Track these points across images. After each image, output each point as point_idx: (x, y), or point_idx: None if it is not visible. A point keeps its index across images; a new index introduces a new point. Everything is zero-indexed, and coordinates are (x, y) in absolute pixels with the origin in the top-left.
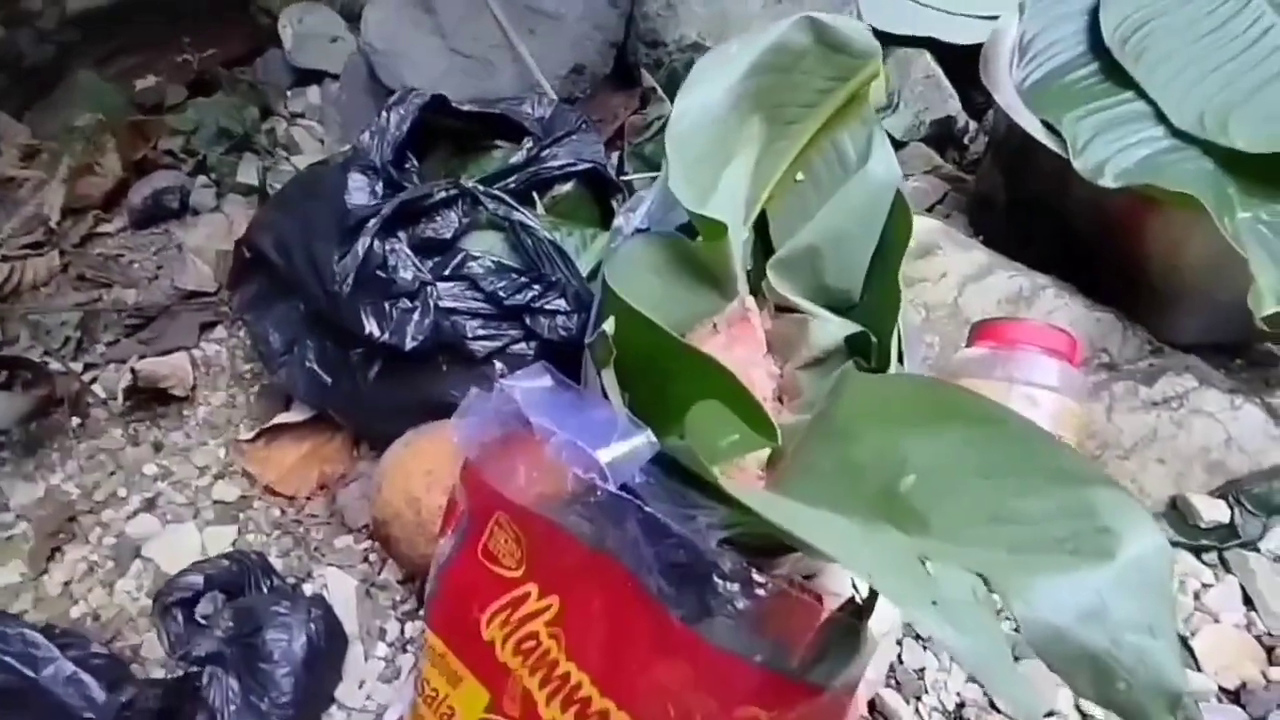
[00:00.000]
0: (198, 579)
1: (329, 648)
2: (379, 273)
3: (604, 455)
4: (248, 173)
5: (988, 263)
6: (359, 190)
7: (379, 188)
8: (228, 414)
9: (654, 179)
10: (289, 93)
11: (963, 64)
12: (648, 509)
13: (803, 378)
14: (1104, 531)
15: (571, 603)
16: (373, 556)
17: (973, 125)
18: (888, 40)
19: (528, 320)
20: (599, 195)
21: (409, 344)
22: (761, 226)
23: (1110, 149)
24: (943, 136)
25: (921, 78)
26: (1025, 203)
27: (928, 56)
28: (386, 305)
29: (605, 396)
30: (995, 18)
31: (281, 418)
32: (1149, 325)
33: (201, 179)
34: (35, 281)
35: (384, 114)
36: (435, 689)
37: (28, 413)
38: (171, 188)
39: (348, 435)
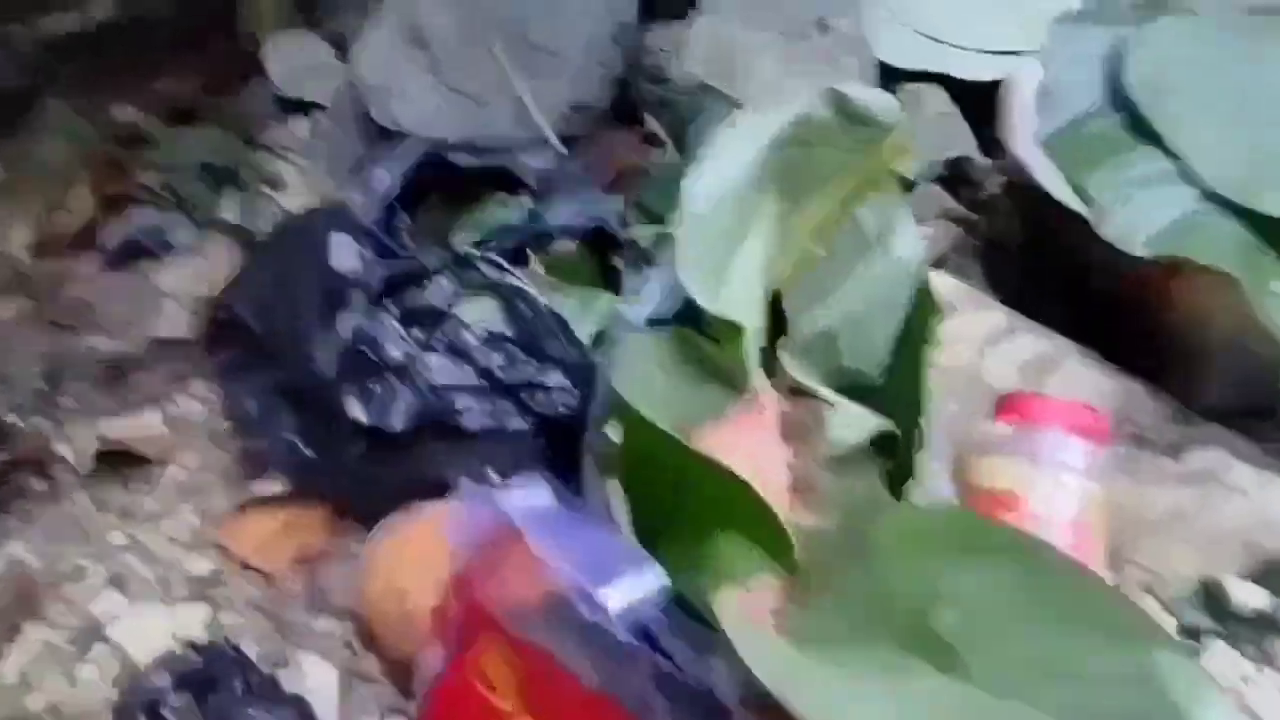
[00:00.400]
0: (165, 680)
1: None
2: (363, 349)
3: (612, 600)
4: (231, 209)
5: (1008, 325)
6: (344, 252)
7: (366, 251)
8: (202, 478)
9: (659, 233)
10: (275, 124)
11: (977, 99)
12: (660, 662)
13: (822, 475)
14: (1170, 709)
15: None
16: (356, 643)
17: (987, 162)
18: (900, 76)
19: (524, 397)
20: (600, 250)
21: (397, 427)
22: (774, 300)
23: (1138, 212)
24: (956, 177)
25: (934, 115)
26: (1042, 254)
27: (942, 93)
28: (371, 384)
29: (608, 504)
30: (1013, 53)
31: (261, 488)
32: (1175, 390)
33: (181, 217)
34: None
35: (373, 170)
36: None
37: None
38: (149, 226)
39: (327, 508)
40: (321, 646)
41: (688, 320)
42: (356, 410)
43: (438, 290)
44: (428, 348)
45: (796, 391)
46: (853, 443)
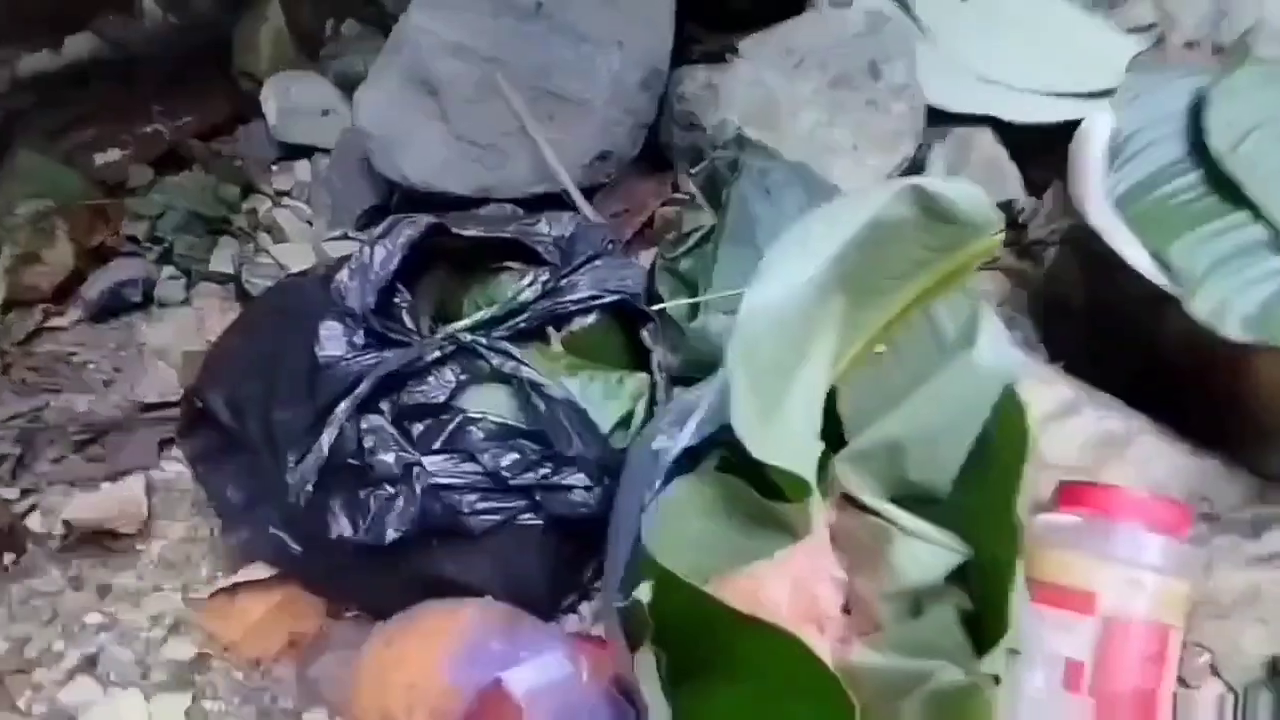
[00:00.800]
0: None
1: None
2: (351, 460)
3: None
4: (222, 260)
5: (1073, 399)
6: (333, 342)
7: (358, 338)
8: (187, 550)
9: (691, 304)
10: (274, 168)
11: (1024, 140)
12: None
13: (883, 608)
14: None
15: None
16: None
17: (1032, 204)
18: (946, 119)
19: (538, 497)
20: (626, 325)
21: (389, 537)
22: (828, 398)
23: (1230, 288)
24: (1005, 221)
25: (983, 159)
26: (1109, 314)
27: (990, 135)
28: (362, 495)
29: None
30: (1068, 95)
31: (245, 573)
32: (1253, 466)
33: (168, 269)
34: None
35: (368, 250)
36: None
37: None
38: (133, 279)
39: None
40: None
41: (730, 446)
42: (343, 526)
43: (440, 383)
44: (426, 446)
45: (850, 499)
46: (923, 577)
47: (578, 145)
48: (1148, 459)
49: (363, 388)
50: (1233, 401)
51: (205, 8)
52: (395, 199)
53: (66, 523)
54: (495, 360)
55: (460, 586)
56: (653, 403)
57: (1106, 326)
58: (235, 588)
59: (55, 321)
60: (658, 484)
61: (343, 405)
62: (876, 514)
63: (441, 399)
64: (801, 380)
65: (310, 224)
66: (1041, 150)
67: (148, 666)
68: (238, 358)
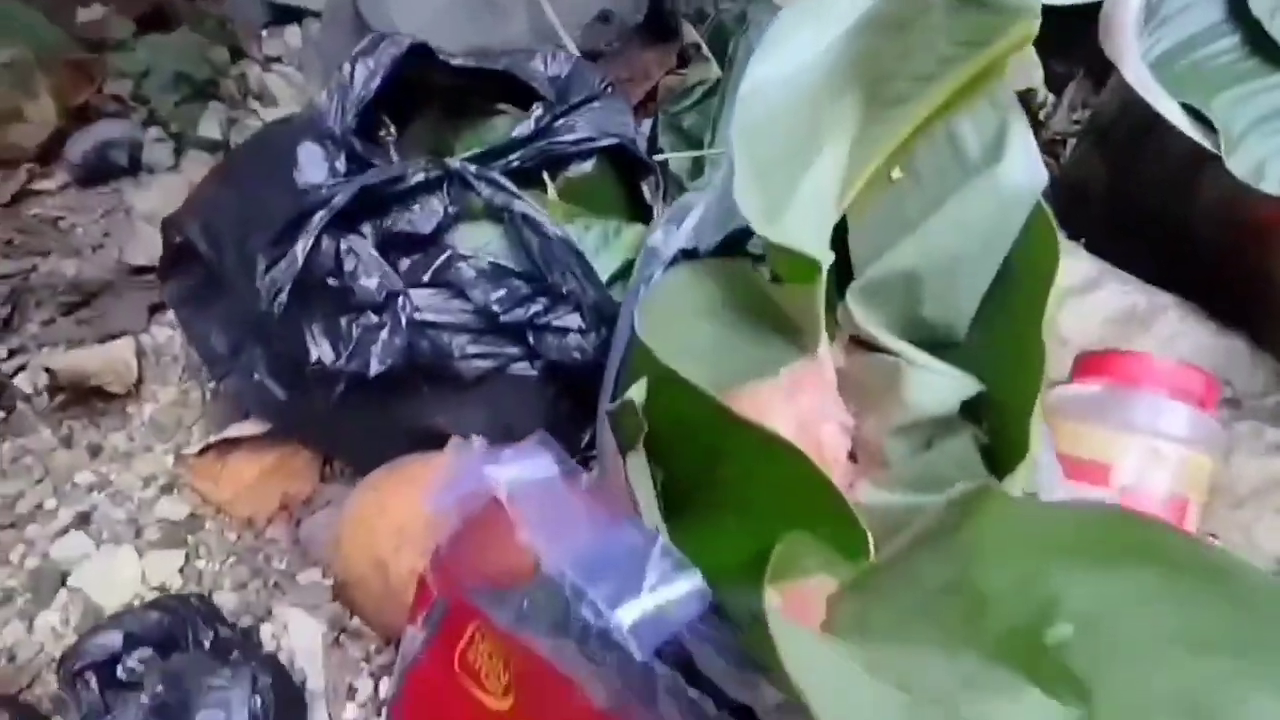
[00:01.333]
0: (115, 638)
1: None
2: (331, 280)
3: (626, 616)
4: (211, 125)
5: (1095, 274)
6: (313, 165)
7: (339, 163)
8: (179, 413)
9: (695, 158)
10: (264, 32)
11: (1045, 31)
12: (689, 692)
13: (892, 444)
14: None
15: None
16: (308, 597)
17: (1051, 99)
18: None
19: (531, 339)
20: (625, 176)
21: (374, 369)
22: (837, 231)
23: (1270, 146)
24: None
25: None
26: (1133, 198)
27: None
28: (343, 321)
29: (627, 480)
30: None
31: (235, 429)
32: (1278, 350)
33: (155, 131)
34: None
35: (347, 67)
36: None
37: None
38: (119, 140)
39: (313, 451)
40: (306, 600)
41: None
42: (322, 350)
43: (427, 212)
44: (413, 279)
45: (858, 342)
46: (937, 409)
47: (578, 4)
48: (1172, 336)
49: (340, 198)
50: (1261, 280)
51: None
52: None
53: (51, 373)
54: (486, 191)
55: (447, 438)
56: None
57: (1130, 210)
58: (227, 448)
59: (41, 184)
60: (656, 275)
61: (319, 214)
62: (887, 352)
63: (428, 230)
64: (813, 173)
65: (302, 90)
66: (1063, 42)
67: (140, 525)
68: (216, 193)
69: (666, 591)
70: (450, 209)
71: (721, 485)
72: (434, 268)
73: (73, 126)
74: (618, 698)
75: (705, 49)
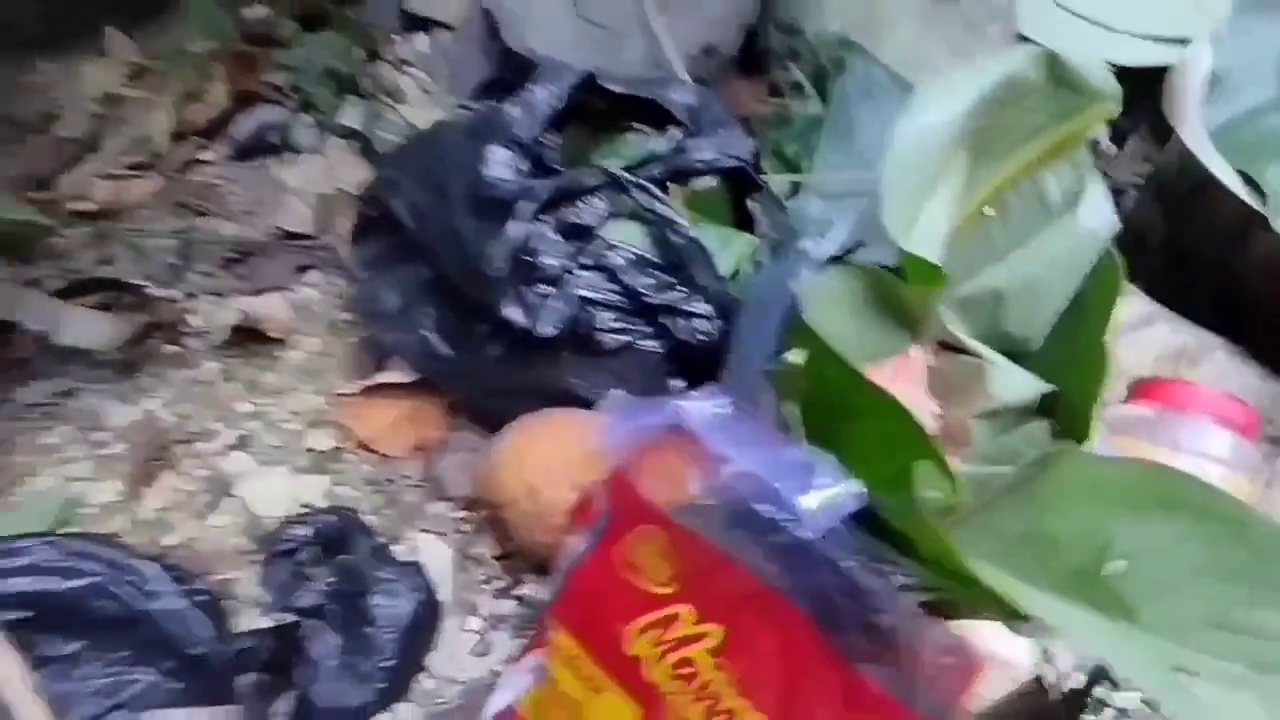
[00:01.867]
0: (306, 531)
1: (428, 616)
2: (527, 257)
3: (809, 501)
4: (351, 116)
5: (1149, 313)
6: (500, 165)
7: (523, 165)
8: (321, 362)
9: (794, 182)
10: (397, 38)
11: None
12: (844, 564)
13: (977, 427)
14: None
15: (739, 636)
16: (467, 527)
17: (1114, 150)
18: None
19: (664, 320)
20: (735, 193)
21: (549, 332)
22: None
23: None
24: None
25: None
26: (1189, 249)
27: None
28: (525, 290)
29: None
30: (1158, 39)
31: (384, 377)
32: None
33: (305, 118)
34: (136, 203)
35: (533, 88)
36: (566, 690)
37: (129, 337)
38: (274, 123)
39: (446, 402)
40: (435, 528)
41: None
42: (515, 312)
43: (591, 209)
44: (578, 264)
45: (945, 347)
46: (1015, 399)
47: (687, 37)
48: (1220, 375)
49: (544, 194)
50: None
51: None
52: (509, 73)
53: (239, 311)
54: (638, 196)
55: (577, 399)
56: (756, 264)
57: (1185, 260)
58: (370, 393)
59: (205, 155)
60: (805, 274)
61: (524, 203)
62: (971, 355)
63: (593, 224)
64: (930, 206)
65: (428, 92)
66: (1129, 98)
67: (290, 451)
68: (406, 174)
69: (833, 490)
70: (609, 208)
71: (847, 433)
72: (593, 254)
73: (237, 109)
74: (777, 574)
75: (809, 88)
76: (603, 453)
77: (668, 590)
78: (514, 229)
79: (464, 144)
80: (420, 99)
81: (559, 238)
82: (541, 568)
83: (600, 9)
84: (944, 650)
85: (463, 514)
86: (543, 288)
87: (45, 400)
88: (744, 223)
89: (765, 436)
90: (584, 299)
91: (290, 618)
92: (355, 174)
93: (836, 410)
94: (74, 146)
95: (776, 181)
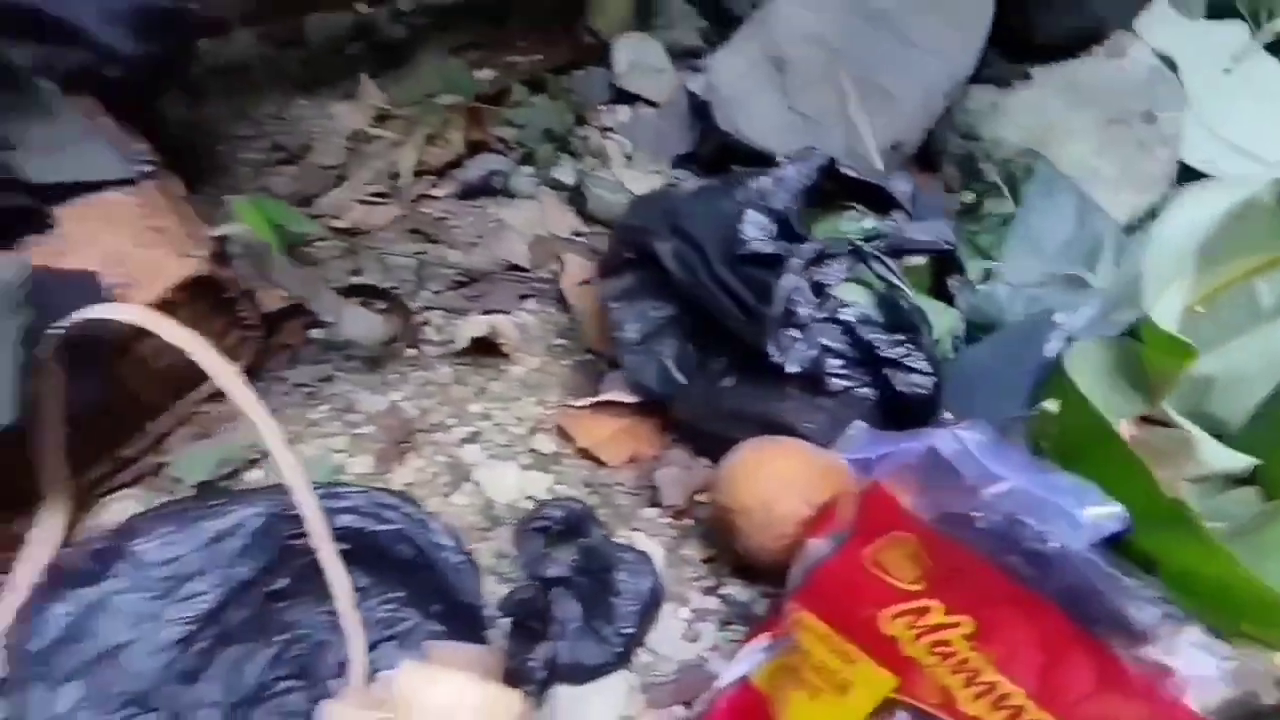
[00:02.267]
0: (557, 513)
1: (658, 597)
2: (790, 307)
3: (1084, 516)
4: (564, 172)
5: None
6: (754, 227)
7: (773, 229)
8: (540, 378)
9: (986, 270)
10: (603, 108)
11: None
12: (1107, 570)
13: (1188, 489)
14: None
15: (992, 627)
16: (673, 532)
17: None
18: (1192, 175)
19: (886, 371)
20: (937, 272)
21: (795, 369)
22: None
23: None
24: None
25: None
26: None
27: None
28: (782, 333)
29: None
30: None
31: (612, 395)
32: None
33: (524, 169)
34: (379, 225)
35: (787, 165)
36: (821, 660)
37: (386, 335)
38: (498, 170)
39: (660, 422)
40: (648, 529)
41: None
42: (773, 350)
43: (833, 272)
44: (819, 314)
45: (1146, 420)
46: (1224, 469)
47: (881, 132)
48: None
49: (806, 253)
50: None
51: None
52: (708, 148)
53: (483, 323)
54: (873, 264)
55: (791, 430)
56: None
57: None
58: (595, 407)
59: (436, 191)
60: (1056, 341)
61: (795, 261)
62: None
63: (831, 283)
64: (1165, 298)
65: (629, 157)
66: None
67: (517, 451)
68: (670, 227)
69: (1104, 510)
70: (846, 271)
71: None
72: (830, 309)
73: (467, 155)
74: (1035, 577)
75: (1004, 189)
76: (847, 472)
77: (916, 587)
78: (787, 281)
79: (717, 206)
80: (624, 162)
81: (810, 292)
82: (743, 570)
83: (809, 102)
84: (1185, 649)
85: (669, 520)
86: (794, 332)
87: (309, 382)
88: (941, 298)
89: (1032, 463)
90: (821, 345)
91: (537, 586)
92: (565, 220)
93: (1084, 455)
94: (329, 173)
95: (971, 267)
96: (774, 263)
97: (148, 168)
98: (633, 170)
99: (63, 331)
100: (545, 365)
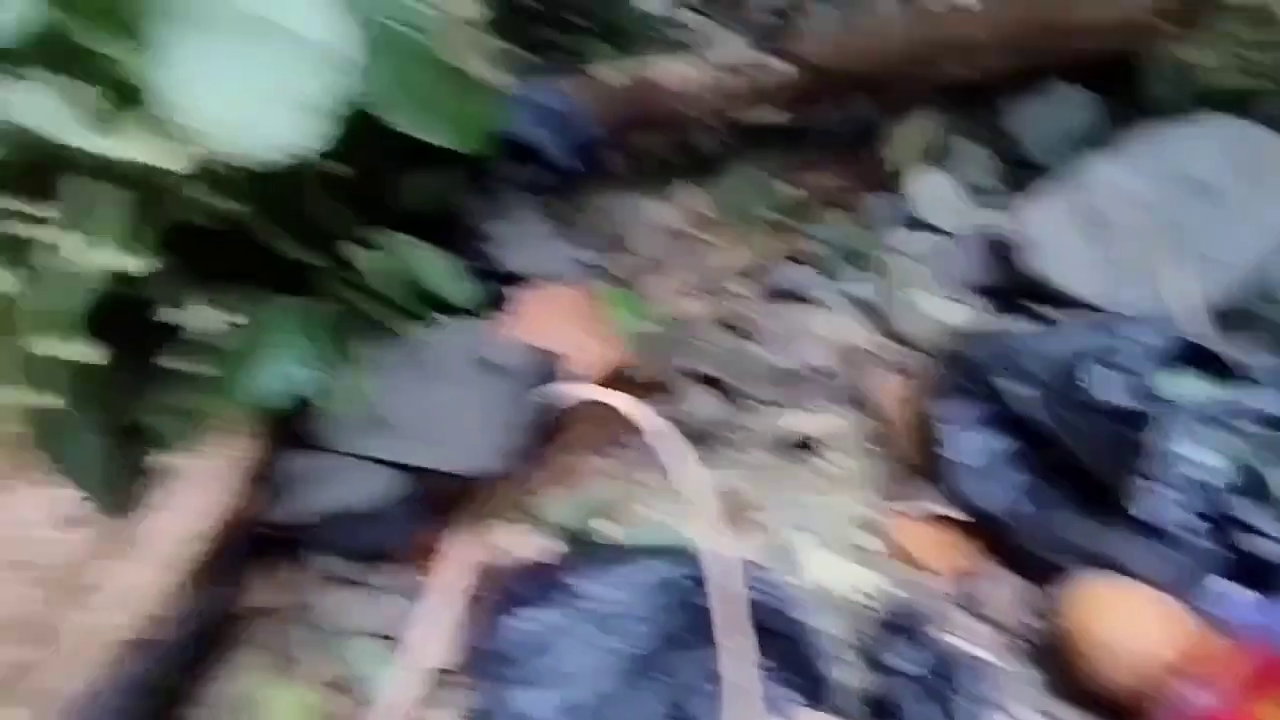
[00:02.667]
0: (908, 613)
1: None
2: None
3: None
4: (860, 287)
5: None
6: (1107, 385)
7: (1119, 384)
8: (854, 478)
9: None
10: (892, 231)
11: None
12: None
13: None
14: None
15: None
16: (999, 646)
17: None
18: None
19: (1232, 530)
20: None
21: (1152, 520)
22: None
23: None
24: None
25: None
26: None
27: None
28: (1136, 481)
29: None
30: None
31: (939, 509)
32: None
33: (822, 280)
34: (695, 316)
35: (1142, 329)
36: None
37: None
38: (802, 280)
39: (984, 540)
40: (969, 639)
41: None
42: (1127, 497)
43: (1191, 432)
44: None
45: None
46: None
47: (1201, 296)
48: None
49: (1170, 418)
50: None
51: (865, 109)
52: (1004, 284)
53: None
54: (1232, 431)
55: (1129, 572)
56: None
57: None
58: (922, 518)
59: (743, 291)
60: None
61: (1167, 421)
62: None
63: (1189, 444)
64: None
65: (929, 280)
66: None
67: (843, 544)
68: (1009, 367)
69: None
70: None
71: None
72: (1186, 467)
73: (771, 262)
74: None
75: None
76: (1193, 622)
77: None
78: (1157, 441)
79: (1056, 351)
80: (925, 286)
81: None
82: (1077, 697)
83: (1124, 257)
84: None
85: (988, 630)
86: (1149, 483)
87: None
88: None
89: None
90: (1175, 499)
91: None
92: (864, 332)
93: None
94: (647, 264)
95: None
96: (1131, 418)
97: (588, 263)
98: (932, 295)
99: (540, 400)
100: (859, 466)
